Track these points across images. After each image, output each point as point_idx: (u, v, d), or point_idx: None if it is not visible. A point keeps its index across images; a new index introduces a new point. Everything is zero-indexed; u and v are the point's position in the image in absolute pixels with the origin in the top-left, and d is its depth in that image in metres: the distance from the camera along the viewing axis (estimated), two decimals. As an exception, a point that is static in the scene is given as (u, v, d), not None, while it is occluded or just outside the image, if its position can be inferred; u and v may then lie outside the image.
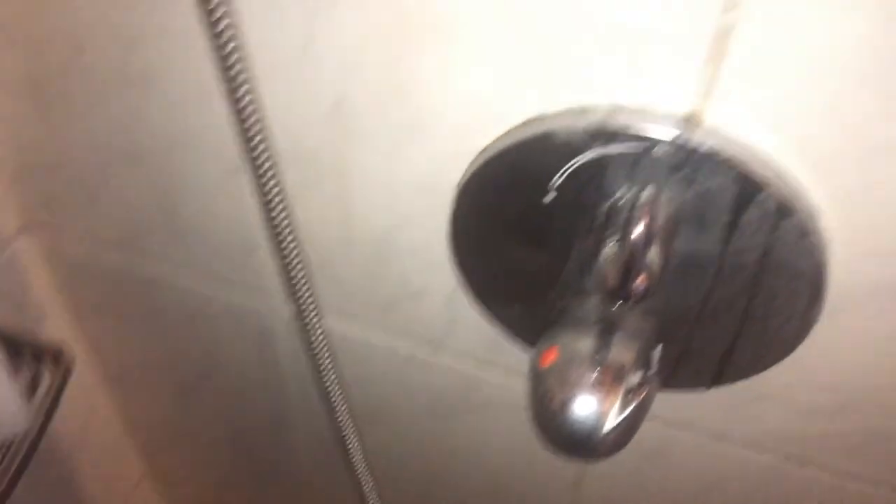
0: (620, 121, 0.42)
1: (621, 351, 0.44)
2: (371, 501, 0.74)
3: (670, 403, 0.55)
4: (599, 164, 0.44)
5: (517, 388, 0.60)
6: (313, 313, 0.60)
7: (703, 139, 0.41)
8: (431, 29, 0.43)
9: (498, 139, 0.47)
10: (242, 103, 0.48)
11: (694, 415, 0.57)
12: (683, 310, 0.47)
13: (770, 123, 0.41)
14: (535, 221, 0.48)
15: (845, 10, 0.35)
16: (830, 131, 0.40)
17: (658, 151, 0.42)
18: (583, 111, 0.44)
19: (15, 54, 0.57)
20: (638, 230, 0.42)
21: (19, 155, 0.66)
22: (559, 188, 0.46)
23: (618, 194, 0.44)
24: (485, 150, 0.48)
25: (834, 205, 0.42)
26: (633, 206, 0.42)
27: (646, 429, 0.43)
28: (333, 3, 0.44)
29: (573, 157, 0.44)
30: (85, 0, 0.51)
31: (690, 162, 0.42)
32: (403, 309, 0.61)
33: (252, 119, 0.49)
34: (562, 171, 0.45)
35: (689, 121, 0.42)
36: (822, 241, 0.43)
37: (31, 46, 0.56)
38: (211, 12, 0.44)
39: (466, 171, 0.49)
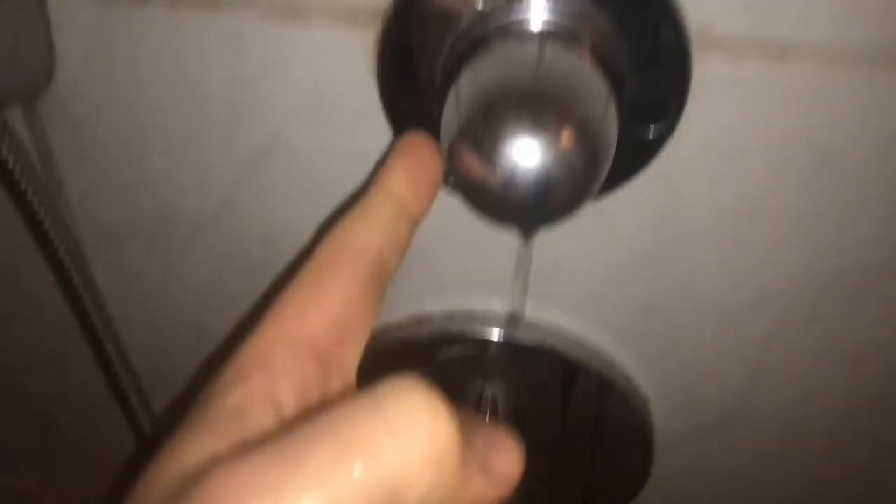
0: (454, 326, 0.48)
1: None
2: None
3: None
4: (445, 366, 0.49)
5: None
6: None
7: (526, 334, 0.48)
8: (280, 266, 0.48)
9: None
10: (99, 338, 0.51)
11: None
12: (535, 479, 0.52)
13: (580, 313, 0.48)
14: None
15: (627, 236, 0.43)
16: (631, 314, 0.47)
17: (490, 350, 0.48)
18: (423, 318, 0.49)
19: None
20: (485, 421, 0.47)
21: None
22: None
23: (468, 388, 0.50)
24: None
25: (647, 372, 0.49)
26: (475, 402, 0.48)
27: None
28: (183, 249, 0.49)
29: (419, 362, 0.49)
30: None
31: (518, 356, 0.48)
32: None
33: (111, 351, 0.52)
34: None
35: (513, 319, 0.48)
36: (643, 402, 0.50)
37: None
38: (63, 270, 0.47)
39: (327, 378, 0.53)
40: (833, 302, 0.44)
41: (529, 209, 0.31)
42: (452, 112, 0.32)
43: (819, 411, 0.50)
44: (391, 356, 0.49)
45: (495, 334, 0.48)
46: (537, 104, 0.31)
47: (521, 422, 0.50)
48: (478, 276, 0.47)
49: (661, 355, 0.49)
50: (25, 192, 0.43)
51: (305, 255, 0.45)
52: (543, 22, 0.34)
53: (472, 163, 0.31)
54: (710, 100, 0.37)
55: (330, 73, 0.39)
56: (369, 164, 0.42)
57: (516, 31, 0.34)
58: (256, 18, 0.38)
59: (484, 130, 0.31)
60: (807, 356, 0.47)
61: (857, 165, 0.39)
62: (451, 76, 0.35)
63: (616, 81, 0.35)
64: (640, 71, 0.36)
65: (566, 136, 0.30)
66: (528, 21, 0.34)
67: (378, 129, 0.40)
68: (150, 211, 0.47)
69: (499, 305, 0.48)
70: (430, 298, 0.48)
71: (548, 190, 0.31)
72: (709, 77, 0.37)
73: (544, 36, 0.34)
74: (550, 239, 0.44)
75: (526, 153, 0.30)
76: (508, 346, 0.48)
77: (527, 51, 0.33)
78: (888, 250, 0.42)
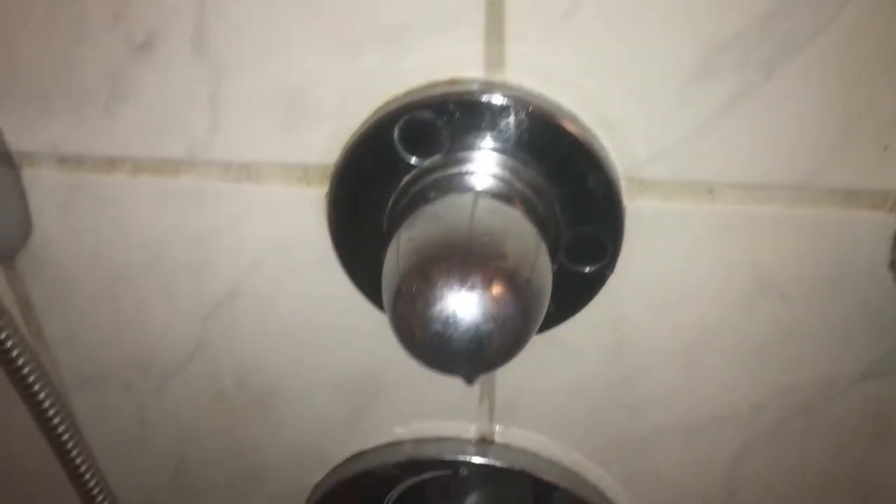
0: (425, 451, 0.49)
1: None
2: None
3: None
4: (418, 489, 0.50)
5: None
6: None
7: (496, 456, 0.48)
8: (254, 402, 0.50)
9: (327, 476, 0.52)
10: (85, 479, 0.52)
11: None
12: None
13: (549, 433, 0.48)
14: (375, 541, 0.53)
15: (584, 364, 0.44)
16: (599, 436, 0.48)
17: (462, 472, 0.49)
18: (395, 445, 0.50)
19: None
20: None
21: None
22: (389, 513, 0.51)
23: (440, 512, 0.50)
24: (316, 487, 0.53)
25: (624, 491, 0.50)
26: (452, 526, 0.48)
27: None
28: (158, 389, 0.50)
29: (394, 487, 0.50)
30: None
31: (491, 477, 0.49)
32: None
33: (96, 492, 0.53)
34: (386, 500, 0.50)
35: (483, 442, 0.49)
36: (618, 518, 0.50)
37: None
38: (43, 411, 0.48)
39: (306, 506, 0.54)
40: (795, 418, 0.45)
41: (464, 361, 0.33)
42: (392, 267, 0.34)
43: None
44: (363, 482, 0.50)
45: (466, 458, 0.48)
46: (468, 262, 0.32)
47: (496, 546, 0.50)
48: (445, 403, 0.48)
49: (634, 474, 0.49)
50: (6, 341, 0.45)
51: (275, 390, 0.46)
52: (476, 178, 0.36)
53: (409, 318, 0.33)
54: (647, 237, 0.39)
55: (287, 225, 0.42)
56: (329, 305, 0.44)
57: (451, 188, 0.36)
58: (215, 179, 0.41)
59: (420, 288, 0.32)
60: (776, 469, 0.48)
61: (798, 293, 0.40)
62: (392, 229, 0.37)
63: (548, 230, 0.37)
64: (575, 217, 0.38)
65: (496, 291, 0.32)
66: (462, 178, 0.37)
67: (334, 274, 0.42)
68: (125, 356, 0.49)
69: (467, 430, 0.49)
70: (400, 425, 0.49)
71: (481, 342, 0.32)
72: (643, 217, 0.39)
73: (477, 191, 0.36)
74: (512, 365, 0.45)
75: (458, 310, 0.32)
76: (480, 469, 0.49)
77: (460, 206, 0.35)
78: (839, 370, 0.43)
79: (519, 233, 0.35)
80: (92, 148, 0.41)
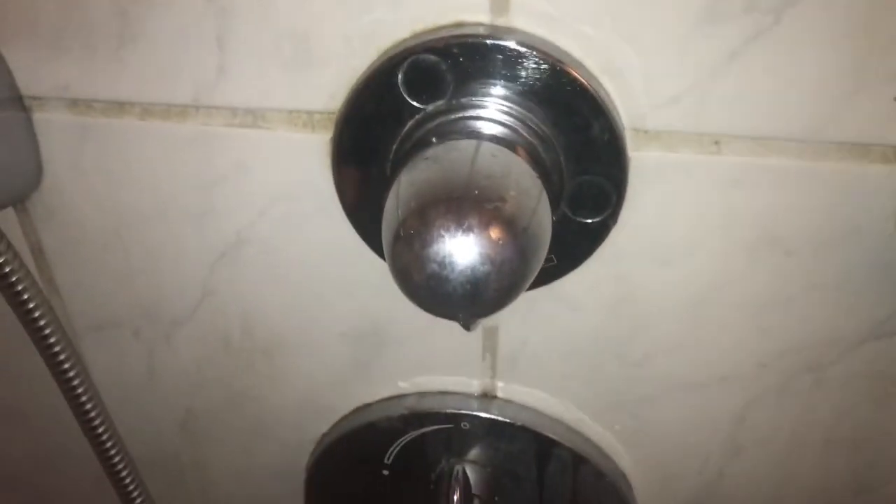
0: (428, 405, 0.49)
1: None
2: None
3: None
4: (419, 442, 0.50)
5: None
6: None
7: (498, 411, 0.49)
8: (260, 350, 0.50)
9: (332, 427, 0.53)
10: (94, 425, 0.53)
11: None
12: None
13: (551, 389, 0.48)
14: (379, 493, 0.53)
15: (586, 317, 0.44)
16: (600, 392, 0.48)
17: (464, 426, 0.49)
18: (398, 398, 0.50)
19: None
20: (456, 498, 0.48)
21: None
22: (392, 464, 0.52)
23: (442, 464, 0.51)
24: (322, 438, 0.54)
25: (623, 448, 0.50)
26: (450, 476, 0.49)
27: None
28: (167, 336, 0.51)
29: (396, 440, 0.50)
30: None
31: (492, 432, 0.49)
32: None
33: (105, 437, 0.54)
34: (389, 452, 0.51)
35: (485, 397, 0.49)
36: (620, 478, 0.50)
37: None
38: (53, 355, 0.49)
39: (311, 457, 0.54)
40: (801, 376, 0.45)
41: (461, 304, 0.33)
42: (392, 210, 0.34)
43: (796, 489, 0.50)
44: (366, 434, 0.51)
45: (468, 412, 0.49)
46: (466, 205, 0.32)
47: (496, 499, 0.50)
48: (448, 358, 0.48)
49: (636, 431, 0.49)
50: (17, 285, 0.46)
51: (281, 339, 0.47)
52: (480, 123, 0.36)
53: (407, 260, 0.33)
54: (652, 189, 0.39)
55: (292, 172, 0.42)
56: (334, 254, 0.44)
57: (454, 133, 0.36)
58: (221, 124, 0.41)
59: (417, 229, 0.32)
60: (780, 428, 0.47)
61: (804, 249, 0.40)
62: (395, 174, 0.37)
63: (551, 178, 0.37)
64: (579, 165, 0.38)
65: (493, 234, 0.32)
66: (465, 123, 0.36)
67: (337, 221, 0.42)
68: (134, 303, 0.49)
69: (470, 385, 0.49)
70: (403, 379, 0.49)
71: (477, 283, 0.32)
72: (648, 168, 0.38)
73: (480, 137, 0.36)
74: (514, 319, 0.45)
75: (455, 252, 0.32)
76: (481, 423, 0.49)
77: (462, 151, 0.35)
78: (845, 328, 0.42)
79: (520, 178, 0.35)
80: (102, 91, 0.41)
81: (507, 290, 0.33)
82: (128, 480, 0.55)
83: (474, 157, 0.35)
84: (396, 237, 0.33)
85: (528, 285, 0.34)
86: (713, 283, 0.42)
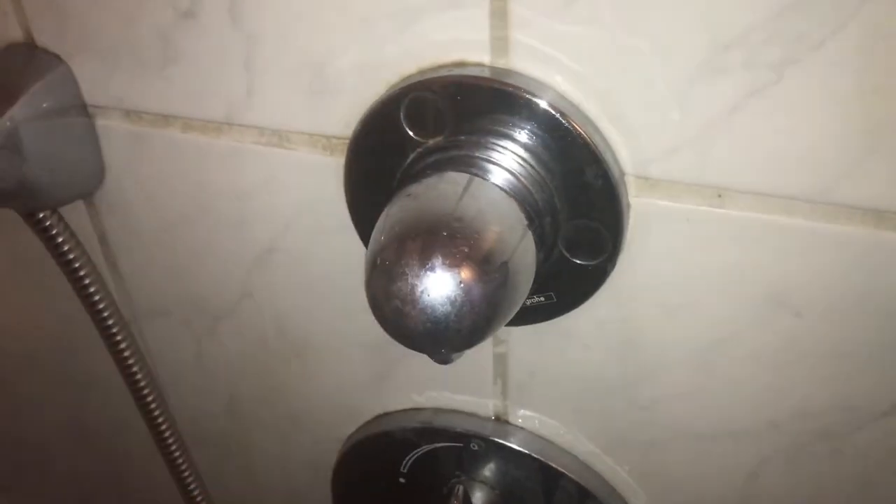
0: (442, 421, 0.51)
1: None
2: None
3: None
4: (432, 456, 0.52)
5: None
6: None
7: (509, 436, 0.49)
8: (293, 351, 0.53)
9: (356, 430, 0.55)
10: (148, 402, 0.58)
11: None
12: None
13: (562, 419, 0.48)
14: (396, 498, 0.55)
15: (593, 356, 0.44)
16: (610, 430, 0.47)
17: (474, 447, 0.50)
18: (415, 411, 0.52)
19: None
20: (458, 516, 0.49)
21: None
22: (407, 473, 0.53)
23: (453, 480, 0.52)
24: (349, 438, 0.56)
25: (635, 487, 0.49)
26: (457, 495, 0.50)
27: None
28: (212, 329, 0.55)
29: (411, 451, 0.52)
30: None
31: (502, 455, 0.50)
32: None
33: (157, 413, 0.59)
34: (404, 462, 0.53)
35: (497, 420, 0.50)
36: (627, 516, 0.50)
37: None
38: (112, 335, 0.54)
39: (338, 455, 0.57)
40: (817, 443, 0.42)
41: (424, 341, 0.34)
42: (374, 239, 0.36)
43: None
44: (384, 442, 0.52)
45: (479, 432, 0.50)
46: (436, 242, 0.33)
47: (500, 522, 0.51)
48: (461, 378, 0.49)
49: (646, 473, 0.48)
50: (80, 272, 0.51)
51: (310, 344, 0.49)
52: (474, 160, 0.37)
53: (376, 291, 0.34)
54: (654, 236, 0.38)
55: (313, 190, 0.44)
56: (351, 268, 0.46)
57: (449, 168, 0.37)
58: (250, 142, 0.44)
59: (389, 262, 0.33)
60: (796, 492, 0.45)
61: (814, 311, 0.38)
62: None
63: (543, 219, 0.37)
64: (574, 209, 0.37)
65: (461, 275, 0.33)
66: (461, 159, 0.37)
67: (353, 239, 0.44)
68: (184, 294, 0.53)
69: (485, 407, 0.50)
70: (416, 393, 0.51)
71: (437, 323, 0.33)
72: (651, 215, 0.38)
73: (472, 174, 0.36)
74: (523, 349, 0.46)
75: (416, 290, 0.32)
76: (491, 446, 0.50)
77: (451, 187, 0.36)
78: (863, 399, 0.40)
79: (504, 220, 0.35)
80: (150, 104, 0.45)
81: (470, 332, 0.33)
82: (177, 453, 0.60)
83: (460, 195, 0.36)
84: (372, 266, 0.34)
85: (498, 326, 0.35)
86: (719, 334, 0.40)
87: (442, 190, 0.36)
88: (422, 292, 0.32)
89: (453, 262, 0.32)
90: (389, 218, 0.35)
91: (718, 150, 0.35)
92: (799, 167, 0.34)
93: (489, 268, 0.33)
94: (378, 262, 0.34)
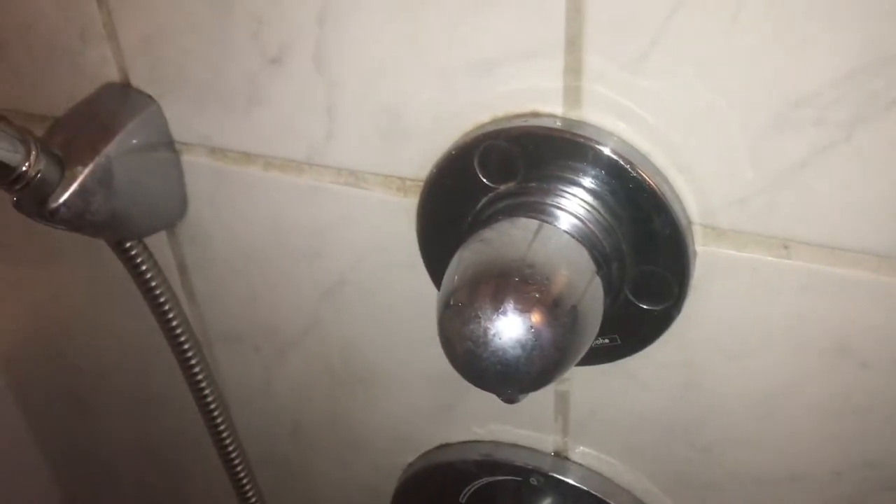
0: (503, 454, 0.52)
1: None
2: None
3: None
4: (492, 488, 0.53)
5: None
6: None
7: (569, 473, 0.50)
8: (358, 380, 0.55)
9: (416, 459, 0.57)
10: (217, 422, 0.60)
11: None
12: None
13: (622, 457, 0.49)
14: (454, 529, 0.56)
15: (655, 398, 0.44)
16: (668, 472, 0.48)
17: (534, 481, 0.51)
18: (475, 443, 0.53)
19: (60, 376, 0.72)
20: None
21: (62, 448, 0.79)
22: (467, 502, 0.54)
23: (511, 513, 0.53)
24: (409, 466, 0.57)
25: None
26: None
27: None
28: (281, 355, 0.57)
29: (471, 482, 0.53)
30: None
31: (561, 492, 0.50)
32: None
33: (225, 434, 0.61)
34: (464, 492, 0.54)
35: (557, 456, 0.51)
36: (685, 557, 0.50)
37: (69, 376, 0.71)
38: (187, 359, 0.57)
39: (398, 482, 0.58)
40: (880, 493, 0.42)
41: (494, 382, 0.35)
42: (448, 280, 0.37)
43: None
44: (444, 472, 0.54)
45: (539, 468, 0.50)
46: (508, 287, 0.34)
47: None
48: (522, 413, 0.50)
49: (705, 513, 0.49)
50: (160, 298, 0.54)
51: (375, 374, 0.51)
52: (545, 207, 0.38)
53: (449, 332, 0.35)
54: (720, 283, 0.39)
55: (385, 228, 0.46)
56: (420, 303, 0.47)
57: (520, 213, 0.39)
58: (328, 181, 0.46)
59: (462, 303, 0.35)
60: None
61: (881, 363, 0.38)
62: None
63: (611, 265, 0.38)
64: (641, 255, 0.38)
65: (532, 319, 0.34)
66: (532, 205, 0.39)
67: (422, 276, 0.45)
68: (255, 323, 0.56)
69: (545, 442, 0.51)
70: (478, 424, 0.52)
71: (508, 367, 0.34)
72: (717, 263, 0.38)
73: (543, 220, 0.38)
74: (585, 388, 0.47)
75: (489, 333, 0.34)
76: (550, 482, 0.50)
77: (522, 232, 0.37)
78: (928, 448, 0.40)
79: (573, 266, 0.37)
80: (234, 143, 0.47)
81: (539, 375, 0.35)
82: (242, 473, 0.62)
83: (531, 240, 0.37)
84: (445, 307, 0.36)
85: (566, 370, 0.36)
86: (782, 382, 0.41)
87: (514, 235, 0.37)
88: (494, 335, 0.34)
89: (525, 307, 0.34)
90: (463, 261, 0.37)
91: (786, 203, 0.36)
92: (867, 222, 0.35)
93: (558, 312, 0.34)
94: (451, 302, 0.35)
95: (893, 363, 0.38)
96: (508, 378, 0.34)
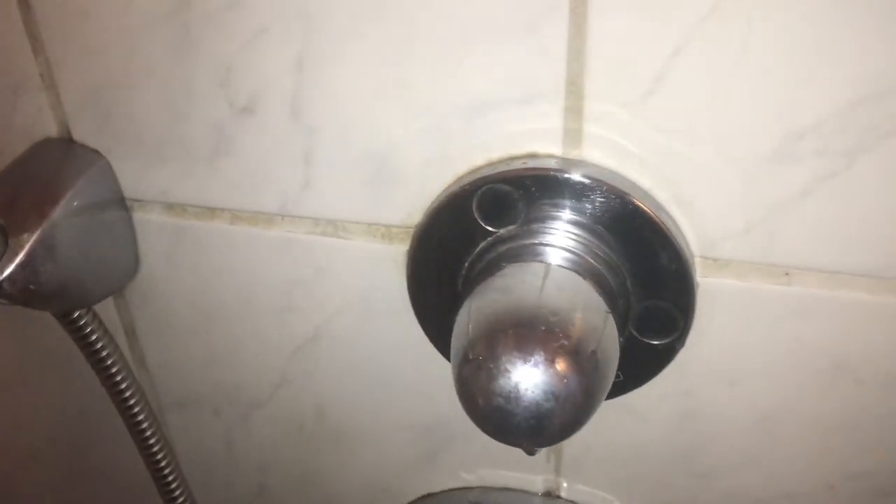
0: (492, 499, 0.50)
1: None
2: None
3: None
4: (481, 535, 0.51)
5: None
6: None
7: (562, 512, 0.49)
8: (332, 436, 0.52)
9: (397, 515, 0.54)
10: (172, 488, 0.56)
11: None
12: None
13: (616, 492, 0.49)
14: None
15: (653, 429, 0.44)
16: (664, 496, 0.48)
17: (526, 524, 0.50)
18: (462, 490, 0.52)
19: None
20: None
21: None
22: (454, 553, 0.53)
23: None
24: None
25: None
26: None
27: None
28: (245, 417, 0.53)
29: (458, 531, 0.51)
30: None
31: (554, 531, 0.49)
32: None
33: (181, 501, 0.57)
34: (451, 543, 0.52)
35: (548, 496, 0.50)
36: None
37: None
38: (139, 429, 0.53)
39: (377, 538, 0.56)
40: (873, 496, 0.44)
41: (525, 436, 0.34)
42: (461, 334, 0.36)
43: None
44: (431, 525, 0.52)
45: (530, 510, 0.49)
46: (533, 337, 0.33)
47: None
48: (513, 454, 0.49)
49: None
50: (108, 363, 0.49)
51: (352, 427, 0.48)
52: (548, 249, 0.37)
53: (473, 388, 0.34)
54: (721, 314, 0.39)
55: (368, 277, 0.44)
56: (405, 353, 0.45)
57: (523, 257, 0.38)
58: (303, 232, 0.43)
59: (485, 357, 0.33)
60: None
61: (875, 379, 0.39)
62: (466, 290, 0.38)
63: (618, 302, 0.38)
64: (646, 291, 0.38)
65: (559, 368, 0.33)
66: (535, 248, 0.38)
67: (409, 324, 0.43)
68: (215, 385, 0.52)
69: (534, 483, 0.50)
70: (467, 471, 0.50)
71: (542, 419, 0.33)
72: (718, 294, 0.39)
73: (548, 263, 0.37)
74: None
75: (521, 387, 0.33)
76: (543, 522, 0.49)
77: (531, 278, 0.36)
78: (919, 456, 0.41)
79: (587, 308, 0.36)
80: (196, 197, 0.44)
81: (571, 424, 0.34)
82: (201, 547, 0.58)
83: (542, 285, 0.36)
84: (465, 361, 0.34)
85: (592, 415, 0.35)
86: (780, 403, 0.41)
87: (527, 282, 0.36)
88: (526, 389, 0.32)
89: (552, 357, 0.33)
90: (476, 312, 0.36)
91: (787, 231, 0.36)
92: (864, 245, 0.36)
93: (582, 359, 0.34)
94: (470, 356, 0.34)
95: (886, 377, 0.39)
96: (542, 431, 0.33)
